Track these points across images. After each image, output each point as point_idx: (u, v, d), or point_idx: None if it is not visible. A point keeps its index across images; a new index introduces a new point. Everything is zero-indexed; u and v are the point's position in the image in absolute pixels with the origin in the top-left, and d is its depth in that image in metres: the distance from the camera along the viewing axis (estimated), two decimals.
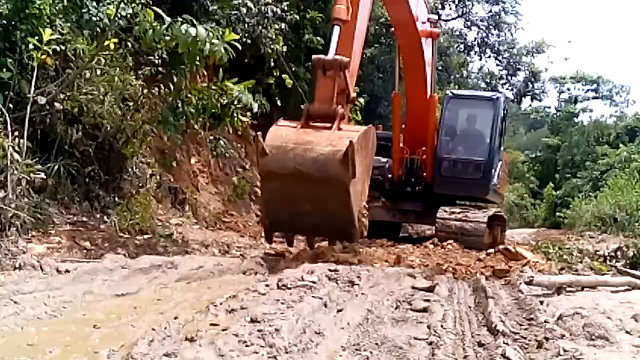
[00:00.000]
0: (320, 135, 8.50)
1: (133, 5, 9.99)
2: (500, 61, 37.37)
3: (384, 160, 15.43)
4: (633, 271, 9.42)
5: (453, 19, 35.65)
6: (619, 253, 13.17)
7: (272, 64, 17.10)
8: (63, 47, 9.33)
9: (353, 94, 9.70)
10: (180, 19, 9.17)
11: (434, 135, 15.95)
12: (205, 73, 15.06)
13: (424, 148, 15.75)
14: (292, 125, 8.82)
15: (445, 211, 14.41)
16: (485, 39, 36.86)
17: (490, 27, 36.19)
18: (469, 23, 36.33)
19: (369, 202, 14.91)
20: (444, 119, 16.39)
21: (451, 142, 16.29)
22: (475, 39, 37.21)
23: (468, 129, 16.86)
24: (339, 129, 8.63)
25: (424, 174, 15.75)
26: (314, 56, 9.31)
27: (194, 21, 9.16)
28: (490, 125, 15.82)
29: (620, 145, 50.12)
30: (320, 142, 8.33)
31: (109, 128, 10.63)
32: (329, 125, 8.68)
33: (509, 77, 38.80)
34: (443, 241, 13.61)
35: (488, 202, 16.54)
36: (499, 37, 36.68)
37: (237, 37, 9.61)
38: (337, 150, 8.15)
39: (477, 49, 37.30)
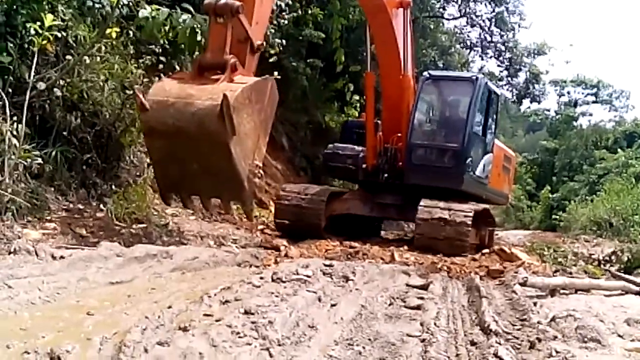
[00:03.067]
0: (204, 88, 7.81)
1: None
2: (501, 62, 37.29)
3: (359, 148, 14.35)
4: (627, 276, 9.45)
5: (455, 18, 35.55)
6: (613, 257, 13.20)
7: (272, 57, 16.95)
8: (64, 34, 9.29)
9: (258, 42, 8.69)
10: (179, 9, 9.15)
11: (409, 120, 14.13)
12: None
13: (399, 135, 14.02)
14: (182, 78, 8.21)
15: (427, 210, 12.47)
16: (488, 39, 36.78)
17: (493, 27, 36.12)
18: (471, 22, 36.25)
19: (346, 194, 14.52)
20: (418, 102, 14.40)
21: (424, 128, 14.78)
22: (477, 38, 37.16)
23: (443, 113, 15.31)
24: (230, 80, 7.96)
25: (399, 163, 14.01)
26: (205, 1, 8.33)
27: (193, 12, 9.14)
28: (467, 109, 14.00)
29: (619, 150, 50.15)
30: (202, 96, 7.69)
31: (107, 116, 10.61)
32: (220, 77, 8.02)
33: (510, 78, 38.71)
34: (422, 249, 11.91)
35: (483, 201, 14.68)
36: (501, 38, 36.61)
37: None
38: (216, 105, 7.50)
39: (478, 48, 37.23)
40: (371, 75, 14.65)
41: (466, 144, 13.67)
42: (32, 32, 8.51)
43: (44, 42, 8.56)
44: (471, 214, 12.35)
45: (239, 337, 4.17)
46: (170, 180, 8.52)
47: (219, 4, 8.06)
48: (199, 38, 9.03)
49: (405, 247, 12.03)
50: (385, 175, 13.96)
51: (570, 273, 10.03)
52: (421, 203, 12.50)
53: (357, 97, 20.68)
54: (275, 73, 14.89)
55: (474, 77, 14.73)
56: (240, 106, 7.66)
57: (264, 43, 9.00)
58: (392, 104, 14.13)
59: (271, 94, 8.60)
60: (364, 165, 14.18)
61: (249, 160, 8.21)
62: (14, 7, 8.68)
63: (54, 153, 9.30)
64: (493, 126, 15.06)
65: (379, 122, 14.41)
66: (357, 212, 14.13)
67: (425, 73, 15.31)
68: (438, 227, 12.00)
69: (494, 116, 15.35)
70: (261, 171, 8.65)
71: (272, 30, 16.48)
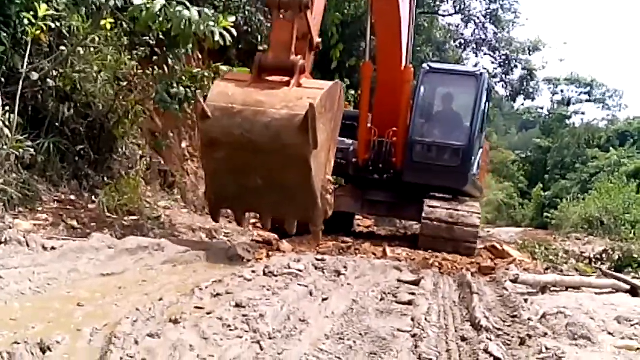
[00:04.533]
0: (274, 94, 7.01)
1: None
2: (495, 59, 37.37)
3: (349, 142, 13.41)
4: (618, 274, 9.49)
5: (450, 14, 35.57)
6: (604, 256, 13.28)
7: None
8: (58, 24, 9.24)
9: (317, 39, 8.07)
10: (175, 2, 9.11)
11: (407, 114, 13.47)
12: (200, 57, 15.00)
13: (394, 129, 13.35)
14: (242, 80, 7.40)
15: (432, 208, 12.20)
16: (482, 36, 36.83)
17: (488, 23, 36.17)
18: (466, 19, 36.28)
19: (336, 190, 13.99)
20: (418, 96, 13.84)
21: (426, 124, 14.00)
22: (472, 35, 37.20)
23: (446, 109, 14.53)
24: (299, 85, 7.20)
25: (393, 159, 13.40)
26: None
27: (188, 4, 9.11)
28: (472, 105, 13.40)
29: (611, 149, 50.48)
30: (275, 104, 6.89)
31: (101, 107, 10.58)
32: (286, 80, 7.21)
33: (504, 75, 38.79)
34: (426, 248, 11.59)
35: (466, 195, 13.99)
36: (495, 35, 36.67)
37: (232, 22, 9.50)
38: (295, 115, 6.75)
39: (473, 45, 37.27)
40: (369, 65, 13.93)
41: (471, 142, 13.18)
42: (26, 22, 8.46)
43: (38, 32, 8.51)
44: (480, 215, 12.20)
45: (230, 330, 4.17)
46: (226, 195, 7.66)
47: (283, 2, 7.31)
48: (193, 29, 8.98)
49: (397, 243, 12.06)
50: (378, 171, 13.49)
51: (561, 271, 10.07)
52: (426, 203, 12.21)
53: (352, 92, 20.66)
54: None
55: (479, 73, 14.31)
56: (318, 116, 6.81)
57: (321, 40, 8.24)
58: (389, 97, 13.35)
59: (340, 100, 8.00)
60: (354, 160, 13.51)
61: (322, 175, 7.56)
62: None
63: (46, 144, 9.26)
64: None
65: (369, 114, 13.77)
66: (347, 209, 13.67)
67: (425, 65, 14.61)
68: (446, 228, 11.73)
69: (489, 111, 15.14)
70: (332, 186, 8.10)
71: (268, 25, 16.47)
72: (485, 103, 14.01)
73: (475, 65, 36.70)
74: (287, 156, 6.89)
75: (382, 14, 12.54)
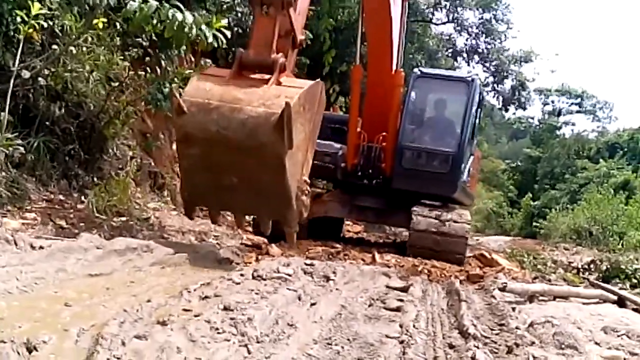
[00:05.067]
0: (252, 91, 6.92)
1: None
2: (487, 68, 37.54)
3: (337, 146, 13.14)
4: (605, 285, 9.53)
5: (443, 23, 35.74)
6: (592, 266, 13.32)
7: None
8: (51, 23, 9.21)
9: (301, 37, 8.04)
10: (167, 4, 9.10)
11: (397, 119, 13.15)
12: (193, 59, 14.98)
13: (384, 134, 13.07)
14: (221, 76, 7.26)
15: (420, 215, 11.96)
16: (475, 45, 37.00)
17: (480, 33, 36.33)
18: (459, 28, 36.45)
19: (324, 195, 13.57)
20: (408, 101, 13.53)
21: (416, 129, 13.67)
22: (464, 44, 37.38)
23: (436, 115, 14.27)
24: (278, 83, 7.11)
25: (383, 164, 13.07)
26: None
27: (181, 7, 9.10)
28: (463, 112, 13.14)
29: (600, 160, 50.75)
30: (252, 101, 6.79)
31: (92, 107, 10.55)
32: (265, 78, 7.14)
33: (496, 85, 38.97)
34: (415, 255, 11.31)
35: (456, 203, 13.64)
36: (488, 44, 36.84)
37: (225, 24, 9.49)
38: (272, 113, 6.66)
39: (465, 54, 37.44)
40: (359, 68, 13.55)
41: (462, 149, 12.94)
42: (18, 19, 8.43)
43: (30, 30, 8.48)
44: (469, 226, 11.98)
45: (218, 332, 4.15)
46: (200, 193, 7.57)
47: None
48: (186, 31, 8.97)
49: (386, 249, 12.03)
50: (367, 176, 13.15)
51: (549, 280, 10.10)
52: (414, 211, 11.97)
53: (342, 99, 20.68)
54: None
55: (470, 78, 14.07)
56: (295, 115, 6.74)
57: (305, 37, 8.10)
58: (379, 101, 13.11)
59: (320, 100, 7.89)
60: (343, 165, 13.20)
61: (298, 176, 7.46)
62: None
63: (36, 143, 9.22)
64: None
65: (359, 119, 13.49)
66: (335, 214, 13.54)
67: (415, 70, 14.34)
68: (434, 239, 11.52)
69: (480, 117, 14.86)
70: (308, 188, 7.89)
71: None
72: (477, 110, 13.81)
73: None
74: (262, 155, 6.81)
75: (373, 14, 12.36)
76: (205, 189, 7.42)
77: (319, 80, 7.90)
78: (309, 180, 7.93)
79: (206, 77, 7.26)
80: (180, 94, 6.99)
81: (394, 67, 13.04)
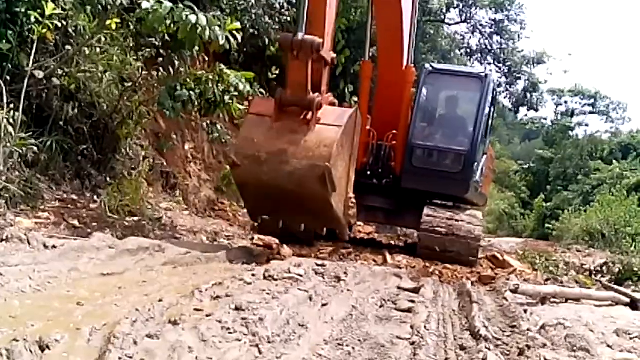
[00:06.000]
0: (295, 141, 7.69)
1: None
2: (500, 69, 37.41)
3: None
4: (618, 287, 9.47)
5: (456, 23, 35.64)
6: (604, 268, 13.23)
7: (273, 55, 16.76)
8: (64, 23, 9.27)
9: (332, 56, 8.42)
10: (182, 5, 9.14)
11: (408, 116, 12.82)
12: (207, 59, 15.03)
13: (394, 132, 12.71)
14: (265, 115, 7.95)
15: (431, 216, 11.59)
16: (488, 46, 36.88)
17: (493, 34, 36.22)
18: (472, 28, 36.34)
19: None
20: (420, 98, 13.16)
21: (427, 127, 13.33)
22: (477, 45, 37.25)
23: (448, 112, 13.93)
24: (318, 121, 7.80)
25: (393, 163, 12.72)
26: (281, 35, 8.14)
27: (195, 8, 9.13)
28: (477, 109, 12.73)
29: (614, 161, 50.31)
30: (296, 154, 7.61)
31: (105, 107, 10.61)
32: (307, 117, 7.83)
33: (508, 86, 38.83)
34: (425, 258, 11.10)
35: (468, 204, 13.33)
36: (501, 45, 36.70)
37: (239, 26, 9.52)
38: (314, 166, 7.48)
39: (478, 55, 37.32)
40: (368, 64, 13.41)
41: (474, 147, 12.50)
42: (33, 20, 8.49)
43: (44, 30, 8.55)
44: (482, 227, 11.64)
45: (229, 332, 4.16)
46: (262, 210, 8.58)
47: (296, 41, 7.58)
48: (199, 33, 8.99)
49: (398, 250, 11.98)
50: (377, 175, 12.76)
51: (562, 282, 10.04)
52: (425, 212, 11.60)
53: (355, 99, 20.62)
54: (274, 69, 14.89)
55: (484, 74, 13.67)
56: (334, 160, 7.60)
57: (334, 55, 8.48)
58: (389, 98, 12.81)
59: (356, 125, 8.49)
60: None
61: (344, 198, 8.34)
62: None
63: (49, 142, 9.29)
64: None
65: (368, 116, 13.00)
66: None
67: (427, 66, 13.89)
68: (445, 241, 11.19)
69: (494, 115, 14.41)
70: (354, 201, 8.75)
71: (276, 27, 16.47)
72: (490, 107, 13.37)
73: None
74: (310, 197, 7.69)
75: (383, 6, 12.09)
76: (265, 209, 8.45)
77: (353, 108, 8.66)
78: (353, 195, 8.75)
79: (252, 124, 8.03)
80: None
81: (405, 63, 12.68)
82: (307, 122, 7.81)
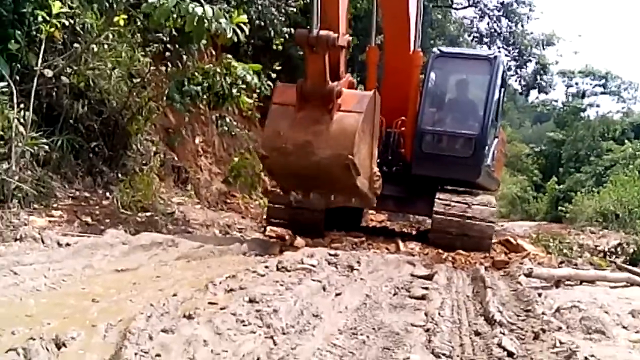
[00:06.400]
0: (318, 130, 8.02)
1: None
2: (509, 52, 37.19)
3: None
4: (632, 267, 9.46)
5: (464, 7, 35.45)
6: (619, 249, 13.20)
7: (281, 46, 16.67)
8: (72, 21, 9.30)
9: (348, 38, 8.46)
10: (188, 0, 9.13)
11: (416, 102, 12.62)
12: (214, 53, 15.03)
13: (402, 118, 12.50)
14: (289, 113, 8.25)
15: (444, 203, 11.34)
16: (497, 29, 36.68)
17: (502, 17, 36.02)
18: (480, 12, 36.14)
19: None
20: (428, 82, 13.03)
21: (436, 112, 13.19)
22: (486, 29, 37.06)
23: (458, 96, 13.67)
24: (338, 108, 8.09)
25: (402, 150, 12.57)
26: (297, 32, 8.34)
27: (202, 0, 9.12)
28: (486, 92, 12.54)
29: (626, 141, 49.98)
30: (320, 144, 7.96)
31: (114, 104, 10.64)
32: (328, 106, 8.07)
33: (518, 69, 38.64)
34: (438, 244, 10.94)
35: (480, 188, 13.17)
36: (510, 28, 36.50)
37: (246, 19, 9.51)
38: (339, 155, 7.86)
39: (487, 39, 37.14)
40: (374, 50, 13.15)
41: (485, 131, 12.31)
42: (40, 19, 8.51)
43: (52, 29, 8.57)
44: (495, 212, 11.45)
45: (244, 325, 4.18)
46: (292, 189, 9.24)
47: (312, 37, 7.78)
48: (206, 26, 8.99)
49: (410, 237, 11.95)
50: (386, 163, 12.26)
51: (576, 264, 10.01)
52: (436, 199, 11.37)
53: (363, 87, 20.54)
54: (278, 62, 14.82)
55: (493, 56, 13.44)
56: (357, 148, 7.98)
57: (349, 37, 8.59)
58: (397, 84, 12.39)
59: (376, 106, 8.71)
60: None
61: (369, 175, 8.80)
62: None
63: (60, 141, 9.33)
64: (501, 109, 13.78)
65: None
66: (354, 204, 12.41)
67: (435, 49, 13.77)
68: (459, 224, 10.98)
69: (505, 98, 14.09)
70: (378, 173, 9.20)
71: (282, 19, 16.40)
72: (500, 89, 13.17)
73: None
74: (337, 181, 8.27)
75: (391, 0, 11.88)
76: (294, 187, 9.12)
77: (372, 92, 8.78)
78: (377, 169, 9.19)
79: (277, 120, 8.31)
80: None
81: (412, 47, 12.31)
82: (328, 111, 8.09)
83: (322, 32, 7.77)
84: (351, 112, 8.15)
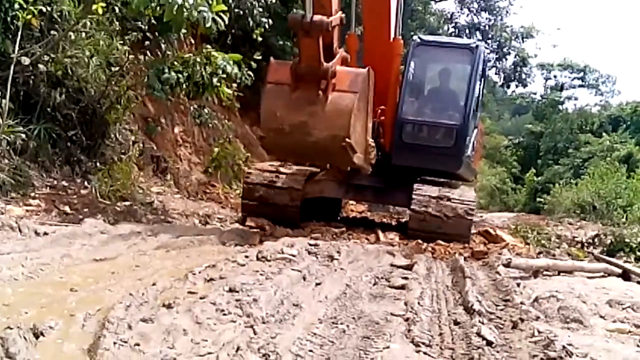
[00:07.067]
0: (314, 111, 8.20)
1: None
2: (489, 44, 37.34)
3: None
4: (609, 258, 9.53)
5: None
6: (596, 240, 13.31)
7: (260, 37, 16.55)
8: (49, 8, 9.19)
9: (340, 15, 8.54)
10: None
11: (396, 91, 12.18)
12: (193, 42, 14.93)
13: (382, 107, 11.90)
14: (284, 93, 8.37)
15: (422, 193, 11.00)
16: (476, 22, 36.82)
17: (482, 10, 36.14)
18: (460, 5, 36.24)
19: (318, 175, 12.21)
20: (408, 71, 12.53)
21: (416, 101, 12.75)
22: (466, 21, 37.20)
23: (439, 85, 13.31)
24: (333, 88, 8.26)
25: (382, 140, 11.90)
26: (290, 17, 8.28)
27: None
28: (468, 81, 12.19)
29: (603, 134, 50.55)
30: (316, 125, 8.17)
31: (92, 93, 10.54)
32: (321, 86, 8.22)
33: (497, 61, 38.81)
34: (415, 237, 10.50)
35: (459, 179, 12.99)
36: (489, 21, 36.65)
37: (225, 7, 9.44)
38: (334, 136, 8.11)
39: (466, 31, 37.26)
40: (354, 37, 12.35)
41: (467, 121, 11.99)
42: (17, 6, 8.41)
43: (29, 16, 8.46)
44: (474, 205, 11.22)
45: (223, 314, 4.17)
46: (285, 159, 10.18)
47: (306, 23, 7.82)
48: (185, 15, 8.91)
49: (390, 228, 11.96)
50: None
51: (554, 255, 10.09)
52: (415, 192, 11.00)
53: None
54: (259, 52, 14.74)
55: (474, 45, 13.00)
56: (353, 127, 8.24)
57: (342, 14, 8.60)
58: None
59: (370, 83, 8.88)
60: None
61: (364, 148, 9.12)
62: None
63: (38, 129, 9.23)
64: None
65: None
66: (331, 194, 12.48)
67: (415, 37, 13.37)
68: (437, 221, 10.63)
69: (484, 90, 13.99)
70: (372, 145, 9.74)
71: (260, 9, 16.32)
72: (481, 79, 12.91)
73: None
74: (334, 158, 8.92)
75: None
76: (289, 158, 10.12)
77: (366, 70, 8.85)
78: (372, 141, 9.64)
79: (273, 101, 8.49)
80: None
81: (392, 34, 11.90)
82: (323, 91, 8.24)
83: (316, 18, 7.82)
84: (346, 92, 8.32)
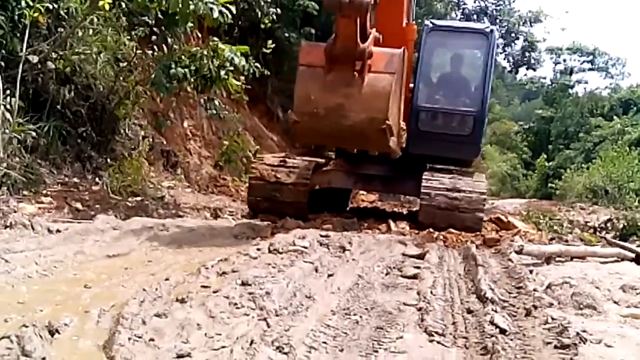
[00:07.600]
0: (350, 93, 8.10)
1: None
2: (497, 30, 37.18)
3: None
4: (622, 243, 9.50)
5: None
6: (609, 225, 13.27)
7: (267, 28, 16.56)
8: (56, 5, 9.21)
9: None
10: None
11: (410, 78, 11.82)
12: (200, 35, 14.93)
13: None
14: (318, 75, 8.25)
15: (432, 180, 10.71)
16: (484, 7, 36.63)
17: None
18: None
19: (327, 165, 12.07)
20: (422, 57, 12.24)
21: (431, 88, 12.54)
22: (473, 6, 37.00)
23: (454, 71, 13.07)
24: (369, 69, 8.16)
25: None
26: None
27: None
28: (483, 66, 12.02)
29: (614, 117, 50.15)
30: (353, 107, 8.07)
31: (101, 89, 10.57)
32: (356, 68, 8.15)
33: (506, 47, 38.62)
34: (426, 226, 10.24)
35: (466, 165, 12.68)
36: (497, 6, 36.47)
37: None
38: (372, 118, 8.04)
39: (474, 17, 37.07)
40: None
41: (484, 108, 11.74)
42: (24, 4, 8.43)
43: (36, 14, 8.48)
44: (485, 194, 10.92)
45: (237, 308, 4.18)
46: (319, 144, 9.86)
47: (344, 2, 7.56)
48: (191, 7, 8.90)
49: (402, 217, 11.92)
50: None
51: (566, 241, 10.06)
52: (424, 183, 10.65)
53: None
54: (269, 42, 14.73)
55: (489, 29, 12.66)
56: (391, 109, 8.17)
57: None
58: None
59: (404, 63, 8.85)
60: None
61: (397, 129, 9.09)
62: None
63: (48, 127, 9.27)
64: None
65: None
66: (339, 185, 12.25)
67: (427, 22, 12.82)
68: (447, 213, 10.36)
69: (493, 75, 13.56)
70: (404, 127, 9.92)
71: (269, 1, 16.28)
72: (495, 63, 12.72)
73: None
74: (370, 141, 8.58)
75: None
76: (321, 144, 9.82)
77: (401, 51, 8.69)
78: (404, 124, 9.82)
79: (307, 84, 8.33)
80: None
81: (405, 19, 11.69)
82: (359, 73, 8.14)
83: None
84: (383, 73, 8.22)
